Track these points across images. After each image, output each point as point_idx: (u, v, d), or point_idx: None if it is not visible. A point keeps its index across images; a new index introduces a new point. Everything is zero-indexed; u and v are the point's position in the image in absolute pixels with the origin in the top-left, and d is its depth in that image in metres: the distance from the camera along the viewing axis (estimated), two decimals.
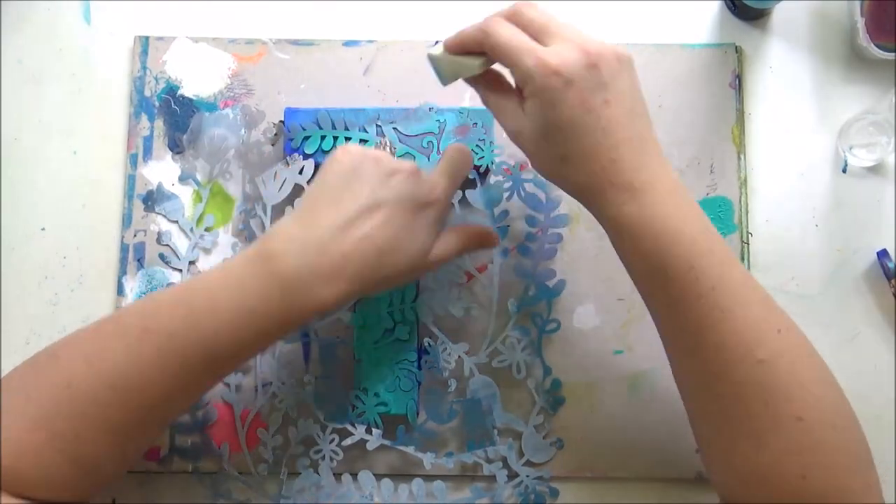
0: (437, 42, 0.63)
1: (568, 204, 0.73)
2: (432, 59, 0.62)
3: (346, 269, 0.56)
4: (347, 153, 0.59)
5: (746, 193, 0.75)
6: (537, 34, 0.56)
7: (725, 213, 0.74)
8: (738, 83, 0.76)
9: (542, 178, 0.70)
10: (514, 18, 0.58)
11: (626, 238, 0.56)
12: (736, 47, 0.76)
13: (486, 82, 0.61)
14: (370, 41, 0.76)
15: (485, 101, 0.61)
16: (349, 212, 0.57)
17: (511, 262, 0.73)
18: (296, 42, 0.76)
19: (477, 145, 0.72)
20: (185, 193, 0.74)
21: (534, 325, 0.72)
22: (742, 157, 0.75)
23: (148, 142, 0.75)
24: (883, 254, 0.73)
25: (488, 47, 0.58)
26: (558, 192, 0.73)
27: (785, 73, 0.77)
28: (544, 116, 0.55)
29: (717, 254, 0.55)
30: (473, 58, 0.60)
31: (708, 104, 0.76)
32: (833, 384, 0.56)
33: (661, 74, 0.76)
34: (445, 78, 0.62)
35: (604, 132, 0.55)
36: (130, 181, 0.74)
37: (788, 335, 0.55)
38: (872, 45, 0.74)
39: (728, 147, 0.75)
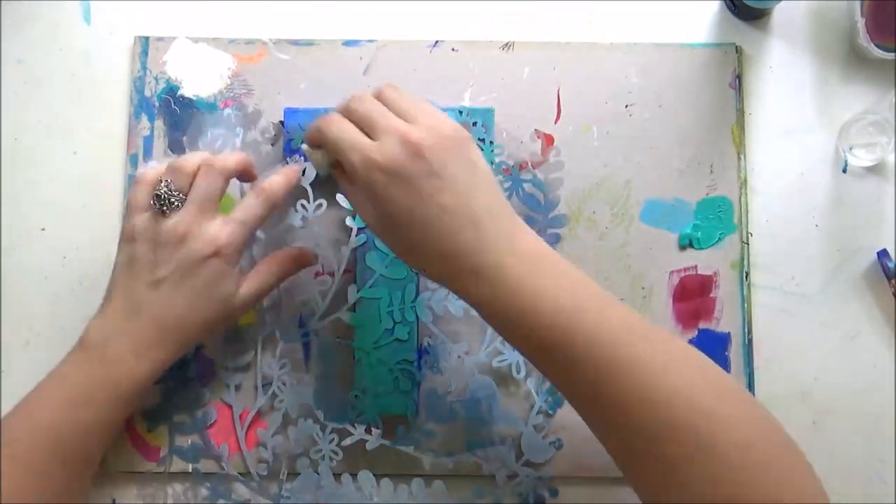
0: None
1: (567, 204, 0.73)
2: (304, 152, 0.64)
3: (150, 345, 0.61)
4: (127, 231, 0.64)
5: (746, 193, 0.75)
6: (366, 128, 0.57)
7: (725, 213, 0.74)
8: (738, 83, 0.76)
9: (542, 179, 0.70)
10: (347, 113, 0.59)
11: (491, 319, 0.56)
12: (736, 47, 0.76)
13: (342, 173, 0.60)
14: (370, 41, 0.76)
15: (343, 192, 0.62)
16: (136, 295, 0.62)
17: None
18: (296, 42, 0.76)
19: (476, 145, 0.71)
20: None
21: None
22: (742, 157, 0.75)
23: (148, 142, 0.75)
24: (883, 254, 0.73)
25: (323, 143, 0.60)
26: (557, 193, 0.73)
27: (785, 73, 0.77)
28: (378, 211, 0.56)
29: (588, 310, 0.53)
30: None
31: (708, 104, 0.76)
32: (742, 398, 0.53)
33: (661, 74, 0.76)
34: (318, 168, 0.63)
35: (440, 220, 0.54)
36: (130, 181, 0.74)
37: (682, 365, 0.52)
38: (872, 45, 0.74)
39: (728, 147, 0.75)
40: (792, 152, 0.76)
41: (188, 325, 0.62)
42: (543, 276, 0.54)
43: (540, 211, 0.73)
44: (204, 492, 0.71)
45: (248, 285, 0.64)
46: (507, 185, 0.73)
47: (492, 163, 0.72)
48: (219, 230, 0.62)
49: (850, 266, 0.75)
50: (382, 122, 0.56)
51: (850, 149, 0.75)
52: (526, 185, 0.73)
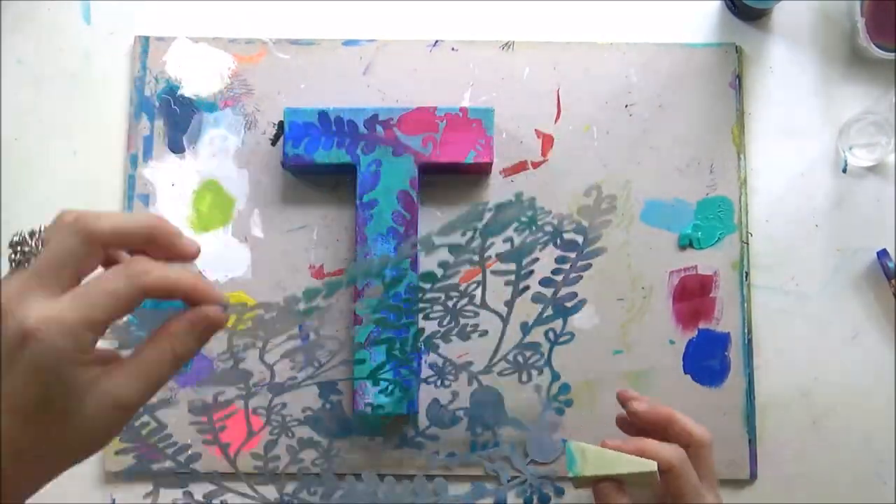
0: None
1: (566, 205, 0.73)
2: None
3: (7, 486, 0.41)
4: None
5: (746, 193, 0.75)
6: (666, 423, 0.62)
7: (725, 213, 0.74)
8: (738, 83, 0.76)
9: (585, 225, 0.61)
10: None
11: None
12: (736, 47, 0.76)
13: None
14: (370, 40, 0.76)
15: None
16: None
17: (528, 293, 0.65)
18: (296, 42, 0.76)
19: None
20: (186, 194, 0.74)
21: (546, 339, 0.69)
22: (742, 157, 0.75)
23: (148, 142, 0.75)
24: (883, 254, 0.73)
25: (665, 463, 0.59)
26: (599, 232, 0.62)
27: (785, 73, 0.77)
28: None
29: None
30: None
31: (708, 104, 0.76)
32: None
33: (662, 74, 0.76)
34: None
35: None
36: (130, 181, 0.74)
37: None
38: (872, 45, 0.74)
39: (728, 147, 0.75)
40: (792, 152, 0.76)
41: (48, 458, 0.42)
42: None
43: (575, 250, 0.63)
44: (204, 492, 0.71)
45: (129, 374, 0.42)
46: (544, 238, 0.60)
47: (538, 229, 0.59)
48: (49, 308, 0.40)
49: (850, 266, 0.75)
50: (679, 425, 0.61)
51: (850, 149, 0.75)
52: (566, 235, 0.62)
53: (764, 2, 0.75)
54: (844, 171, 0.76)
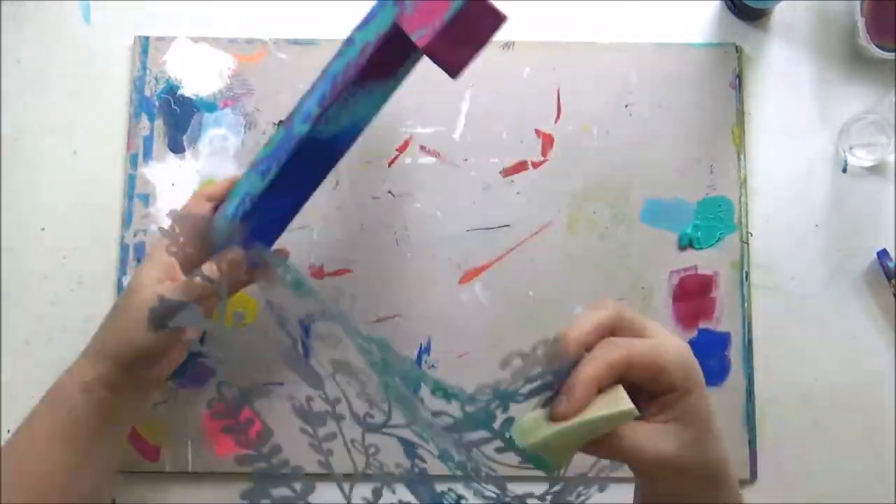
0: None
1: (567, 204, 0.73)
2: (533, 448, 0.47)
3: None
4: None
5: (746, 193, 0.75)
6: (641, 333, 0.48)
7: (725, 213, 0.74)
8: (738, 83, 0.76)
9: None
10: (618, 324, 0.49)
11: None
12: (736, 47, 0.76)
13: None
14: None
15: (626, 448, 0.47)
16: None
17: None
18: (295, 42, 0.76)
19: None
20: (186, 194, 0.74)
21: None
22: (742, 156, 0.75)
23: (148, 142, 0.75)
24: (883, 254, 0.74)
25: (634, 363, 0.46)
26: None
27: (785, 73, 0.77)
28: (706, 403, 0.49)
29: None
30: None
31: (708, 104, 0.76)
32: None
33: (662, 74, 0.76)
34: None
35: (720, 436, 0.49)
36: (130, 181, 0.74)
37: None
38: (872, 45, 0.74)
39: (728, 147, 0.75)
40: (792, 152, 0.76)
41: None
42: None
43: None
44: (203, 492, 0.71)
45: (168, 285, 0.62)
46: None
47: None
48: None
49: (850, 266, 0.75)
50: (651, 327, 0.49)
51: (850, 149, 0.75)
52: None
53: (764, 2, 0.75)
54: (844, 171, 0.76)
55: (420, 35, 0.54)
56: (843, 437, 0.73)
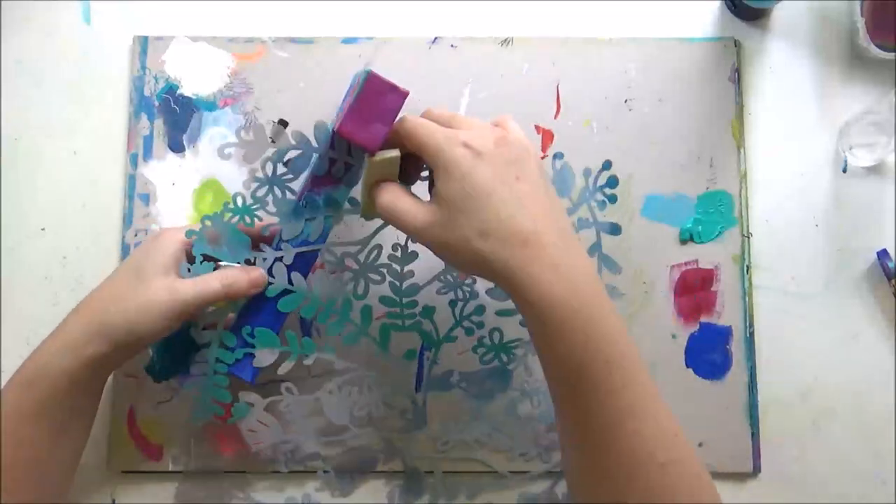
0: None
1: (568, 200, 0.73)
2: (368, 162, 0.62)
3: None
4: None
5: (746, 187, 0.75)
6: (448, 123, 0.59)
7: (725, 207, 0.75)
8: (737, 77, 0.76)
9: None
10: (426, 116, 0.61)
11: (550, 321, 0.53)
12: (735, 41, 0.77)
13: (389, 190, 0.60)
14: (369, 38, 0.76)
15: (387, 209, 0.59)
16: None
17: None
18: (295, 40, 0.76)
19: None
20: (186, 193, 0.74)
21: None
22: (742, 150, 0.75)
23: (148, 141, 0.75)
24: (883, 254, 0.73)
25: (403, 134, 0.59)
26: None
27: (785, 73, 0.77)
28: (458, 189, 0.55)
29: (631, 356, 0.54)
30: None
31: (707, 98, 0.76)
32: (715, 492, 0.56)
33: (661, 69, 0.76)
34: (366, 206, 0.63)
35: (520, 203, 0.54)
36: (131, 181, 0.74)
37: (682, 440, 0.55)
38: (872, 45, 0.74)
39: (728, 141, 0.75)
40: (792, 152, 0.76)
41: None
42: (603, 300, 0.55)
43: None
44: (204, 492, 0.71)
45: (188, 283, 0.63)
46: None
47: None
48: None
49: (850, 266, 0.75)
50: (466, 121, 0.59)
51: (850, 149, 0.75)
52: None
53: (764, 2, 0.75)
54: (844, 171, 0.76)
55: (337, 123, 0.61)
56: (842, 437, 0.73)
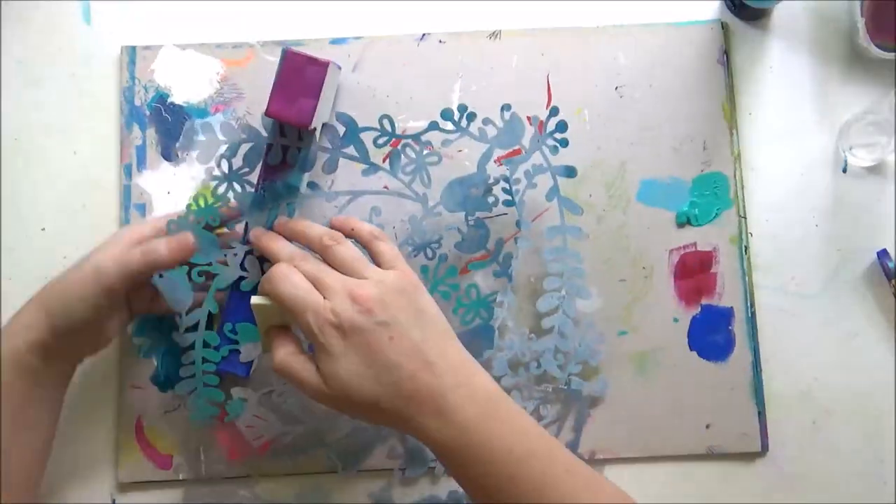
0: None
1: (563, 190, 0.72)
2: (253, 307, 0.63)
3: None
4: None
5: (741, 168, 0.75)
6: (316, 285, 0.59)
7: (721, 189, 0.75)
8: (725, 59, 0.76)
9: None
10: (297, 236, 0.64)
11: (448, 461, 0.57)
12: (722, 23, 0.76)
13: (282, 347, 0.61)
14: (357, 38, 0.76)
15: (281, 370, 0.60)
16: None
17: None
18: (283, 43, 0.76)
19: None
20: (182, 201, 0.74)
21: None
22: (734, 132, 0.75)
23: (141, 151, 0.75)
24: (883, 254, 0.73)
25: (276, 300, 0.60)
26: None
27: (785, 73, 0.76)
28: (337, 369, 0.57)
29: (538, 455, 0.56)
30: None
31: (697, 81, 0.76)
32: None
33: (650, 54, 0.76)
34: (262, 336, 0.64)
35: (399, 366, 0.56)
36: (126, 191, 0.74)
37: None
38: (872, 45, 0.74)
39: (720, 123, 0.75)
40: (792, 152, 0.76)
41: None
42: (499, 420, 0.57)
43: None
44: (205, 494, 0.71)
45: (109, 260, 0.64)
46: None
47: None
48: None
49: (850, 266, 0.75)
50: (330, 281, 0.59)
51: (850, 149, 0.74)
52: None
53: (764, 2, 0.75)
54: (844, 171, 0.75)
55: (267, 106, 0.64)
56: (842, 438, 0.73)
